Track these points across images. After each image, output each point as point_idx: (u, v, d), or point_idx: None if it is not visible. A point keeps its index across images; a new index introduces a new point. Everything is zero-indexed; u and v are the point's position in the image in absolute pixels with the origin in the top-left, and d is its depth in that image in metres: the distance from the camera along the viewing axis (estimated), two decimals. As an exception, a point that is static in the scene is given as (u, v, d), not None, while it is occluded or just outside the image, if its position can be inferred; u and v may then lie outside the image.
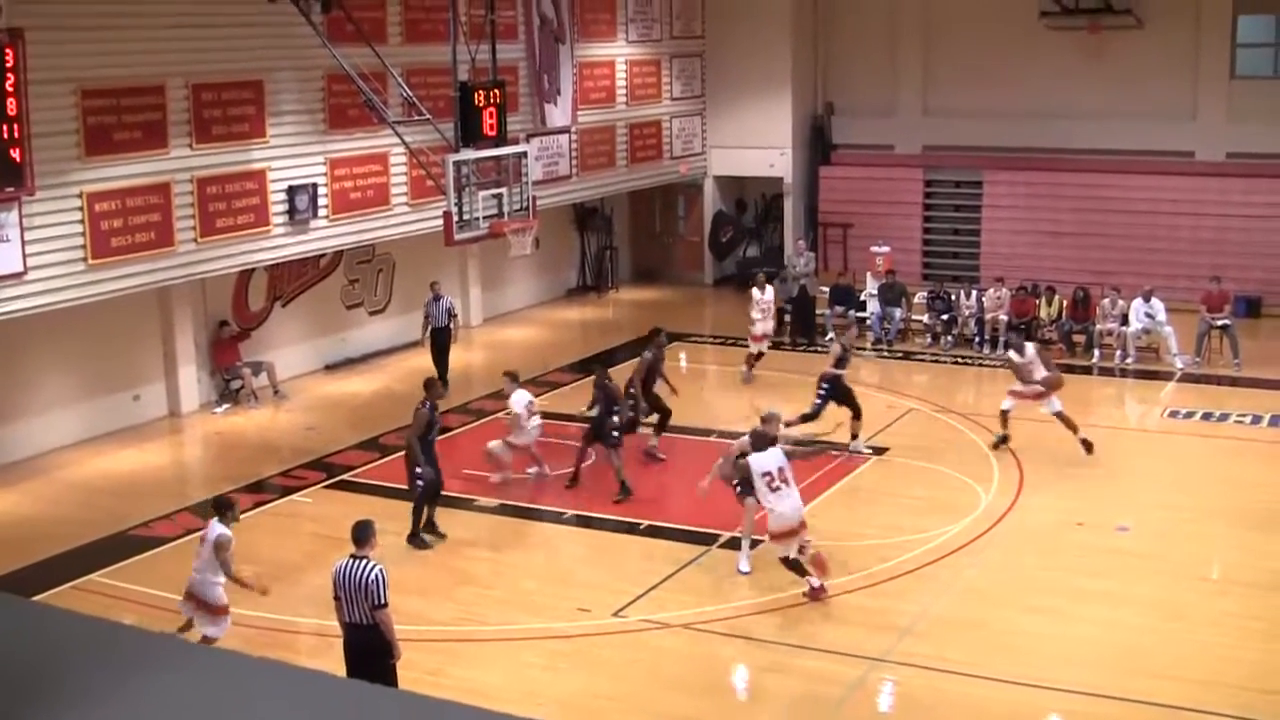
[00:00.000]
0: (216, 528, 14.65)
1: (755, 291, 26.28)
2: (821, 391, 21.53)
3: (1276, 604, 15.84)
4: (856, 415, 21.54)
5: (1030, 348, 21.98)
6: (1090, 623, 15.38)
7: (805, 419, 21.15)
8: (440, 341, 26.20)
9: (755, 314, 26.10)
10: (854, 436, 21.44)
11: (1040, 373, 21.29)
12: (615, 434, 19.79)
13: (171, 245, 21.90)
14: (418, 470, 18.15)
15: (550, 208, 29.49)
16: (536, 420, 20.50)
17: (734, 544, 17.92)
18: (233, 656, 6.93)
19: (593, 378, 21.07)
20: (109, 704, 6.29)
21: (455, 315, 26.78)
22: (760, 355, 26.12)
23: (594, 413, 20.24)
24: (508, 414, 20.82)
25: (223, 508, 14.96)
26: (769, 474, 15.91)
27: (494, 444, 20.27)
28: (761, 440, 16.23)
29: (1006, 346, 23.07)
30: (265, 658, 7.11)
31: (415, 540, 18.13)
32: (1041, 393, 21.20)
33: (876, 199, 34.19)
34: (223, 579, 14.60)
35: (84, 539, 18.50)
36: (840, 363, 21.75)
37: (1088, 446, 20.87)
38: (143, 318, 23.53)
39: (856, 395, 21.79)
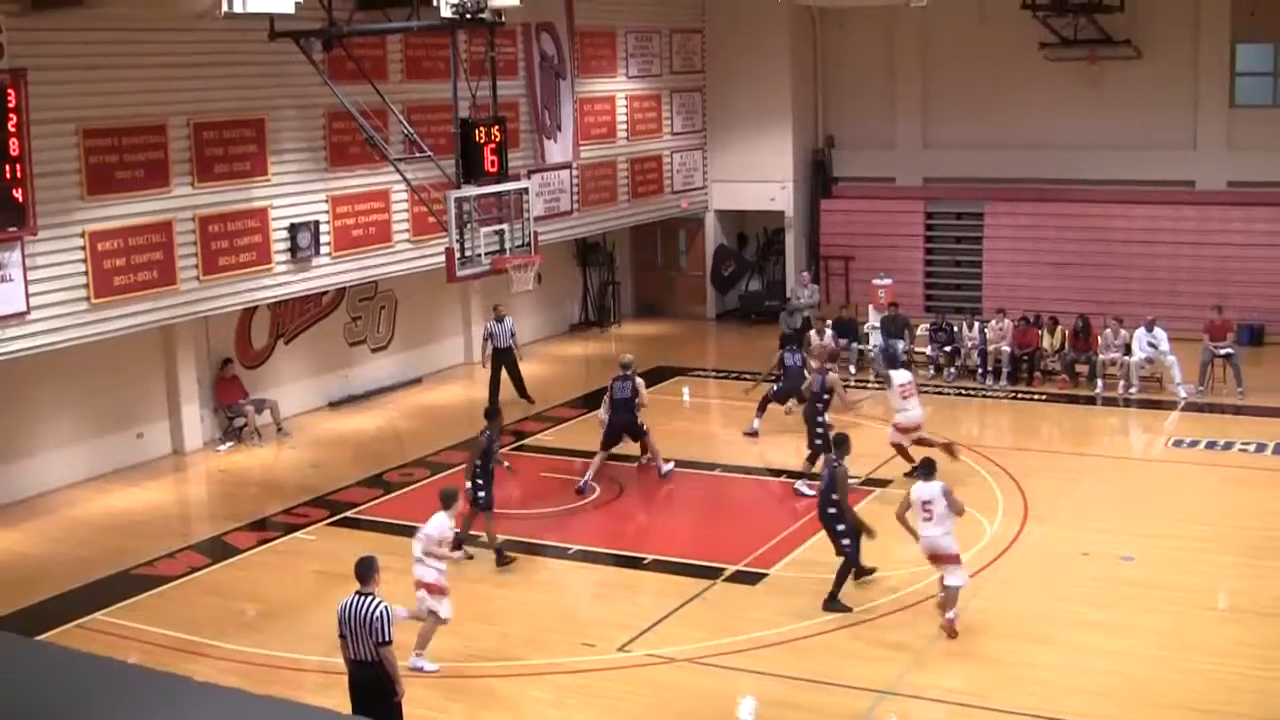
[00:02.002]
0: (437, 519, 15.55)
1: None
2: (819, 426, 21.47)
3: (1284, 633, 15.79)
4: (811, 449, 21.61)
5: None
6: (1096, 653, 15.33)
7: (816, 452, 21.04)
8: (506, 360, 26.90)
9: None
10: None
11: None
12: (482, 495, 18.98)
13: (174, 284, 21.92)
14: (476, 483, 18.71)
15: (552, 243, 29.52)
16: None
17: (738, 578, 17.91)
18: (238, 694, 6.90)
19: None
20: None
21: (515, 334, 27.20)
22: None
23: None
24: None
25: (448, 499, 15.81)
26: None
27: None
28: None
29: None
30: (270, 695, 7.09)
31: (503, 558, 18.68)
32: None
33: (878, 231, 34.22)
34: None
35: (88, 578, 18.47)
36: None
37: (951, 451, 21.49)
38: (146, 356, 23.54)
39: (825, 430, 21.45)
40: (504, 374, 26.99)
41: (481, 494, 18.70)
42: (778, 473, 21.66)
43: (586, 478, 21.88)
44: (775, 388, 24.62)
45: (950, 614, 15.82)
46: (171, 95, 21.80)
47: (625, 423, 22.04)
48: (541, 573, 18.79)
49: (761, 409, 24.40)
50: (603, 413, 22.30)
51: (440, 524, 15.59)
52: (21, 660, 7.41)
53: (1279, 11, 30.11)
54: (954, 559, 15.92)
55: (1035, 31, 31.81)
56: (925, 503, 16.05)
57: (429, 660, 15.38)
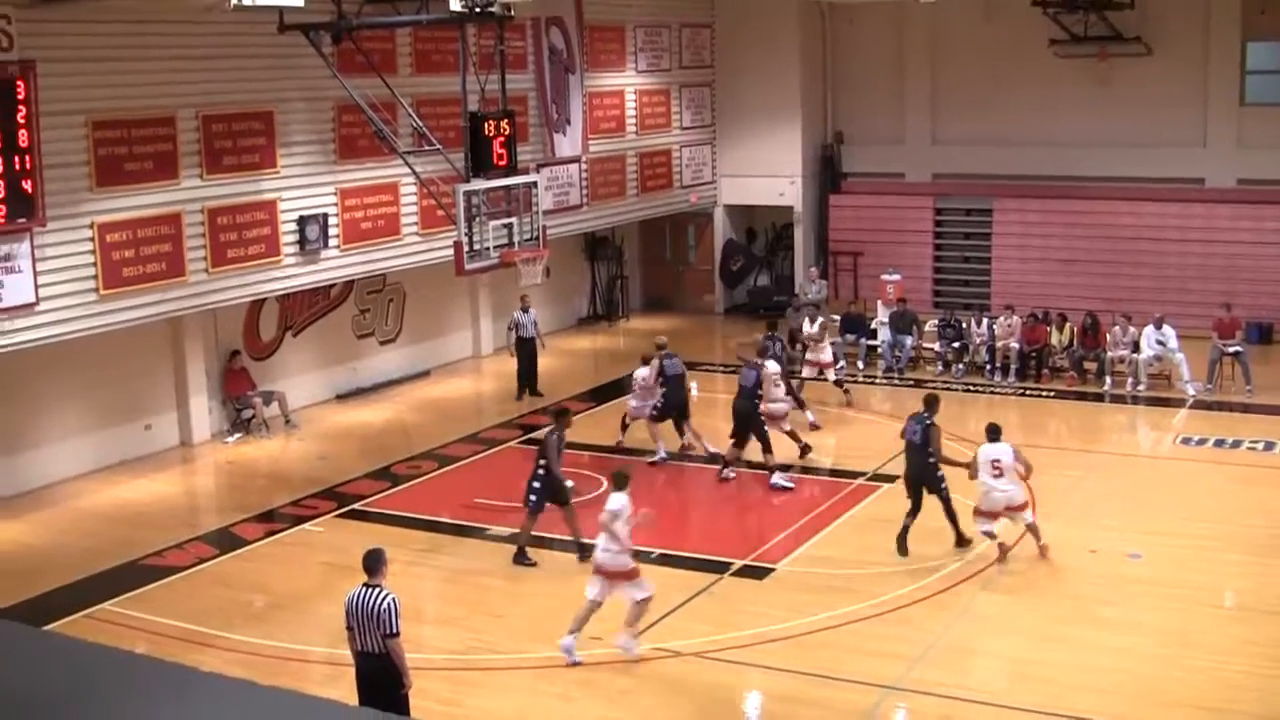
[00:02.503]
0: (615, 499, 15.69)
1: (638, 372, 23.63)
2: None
3: (1291, 631, 15.78)
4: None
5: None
6: (1103, 650, 15.32)
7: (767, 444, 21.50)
8: (529, 349, 27.21)
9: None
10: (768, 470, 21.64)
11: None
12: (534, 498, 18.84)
13: (183, 275, 21.95)
14: (533, 485, 18.61)
15: (560, 237, 29.53)
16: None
17: (745, 572, 17.93)
18: (245, 686, 6.91)
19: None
20: (121, 732, 6.28)
21: (537, 325, 27.65)
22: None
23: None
24: None
25: (621, 481, 16.02)
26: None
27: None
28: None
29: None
30: (277, 687, 7.10)
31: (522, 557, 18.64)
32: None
33: (887, 227, 34.23)
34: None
35: (96, 568, 18.51)
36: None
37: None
38: (154, 348, 23.57)
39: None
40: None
41: (534, 497, 18.61)
42: (785, 468, 21.63)
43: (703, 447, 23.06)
44: (656, 409, 23.60)
45: (1041, 541, 17.96)
46: (181, 87, 21.82)
47: (680, 401, 23.09)
48: (549, 566, 18.80)
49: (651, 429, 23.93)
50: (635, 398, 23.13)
51: (618, 503, 15.60)
52: (29, 650, 7.42)
53: (1290, 10, 30.10)
54: (1024, 506, 18.05)
55: (1045, 28, 31.80)
56: (994, 461, 17.85)
57: (634, 641, 15.55)
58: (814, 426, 24.00)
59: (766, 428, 21.55)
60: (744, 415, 21.59)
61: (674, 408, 23.02)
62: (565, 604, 17.19)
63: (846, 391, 26.08)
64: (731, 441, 21.82)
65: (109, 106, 20.75)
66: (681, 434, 23.19)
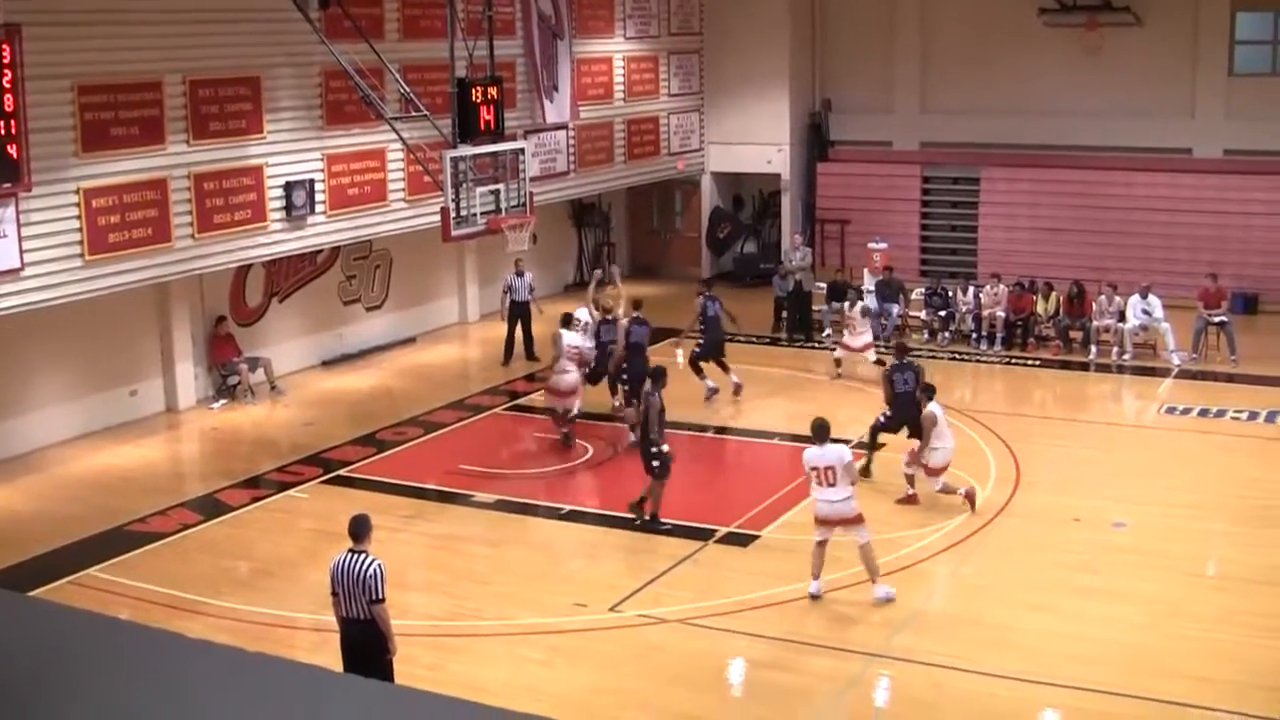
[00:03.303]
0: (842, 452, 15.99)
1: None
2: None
3: (1274, 599, 15.82)
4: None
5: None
6: (1087, 619, 15.38)
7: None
8: (521, 313, 27.37)
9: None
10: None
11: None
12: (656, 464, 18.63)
13: (169, 241, 21.88)
14: (654, 451, 18.38)
15: (548, 204, 29.50)
16: None
17: (730, 539, 17.97)
18: (230, 651, 6.92)
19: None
20: (106, 698, 6.30)
21: (534, 289, 27.76)
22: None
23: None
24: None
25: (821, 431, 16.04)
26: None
27: None
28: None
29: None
30: (262, 653, 7.12)
31: (659, 525, 18.45)
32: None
33: (874, 195, 34.20)
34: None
35: (80, 534, 18.49)
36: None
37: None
38: (140, 314, 23.52)
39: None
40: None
41: (656, 464, 18.37)
42: (770, 435, 21.67)
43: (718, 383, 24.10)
44: (698, 347, 24.66)
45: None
46: (167, 52, 21.72)
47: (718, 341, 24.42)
48: (534, 533, 18.84)
49: (697, 370, 24.29)
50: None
51: (833, 456, 15.83)
52: (14, 616, 7.43)
53: (1279, -21, 30.09)
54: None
55: (1034, -3, 31.82)
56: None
57: (887, 587, 15.89)
58: (730, 389, 24.38)
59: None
60: (641, 375, 21.54)
61: (711, 347, 24.17)
62: (549, 570, 17.29)
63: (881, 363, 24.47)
64: (628, 403, 21.98)
65: (95, 71, 20.65)
66: (725, 371, 24.31)
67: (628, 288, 33.28)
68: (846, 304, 26.91)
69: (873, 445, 20.27)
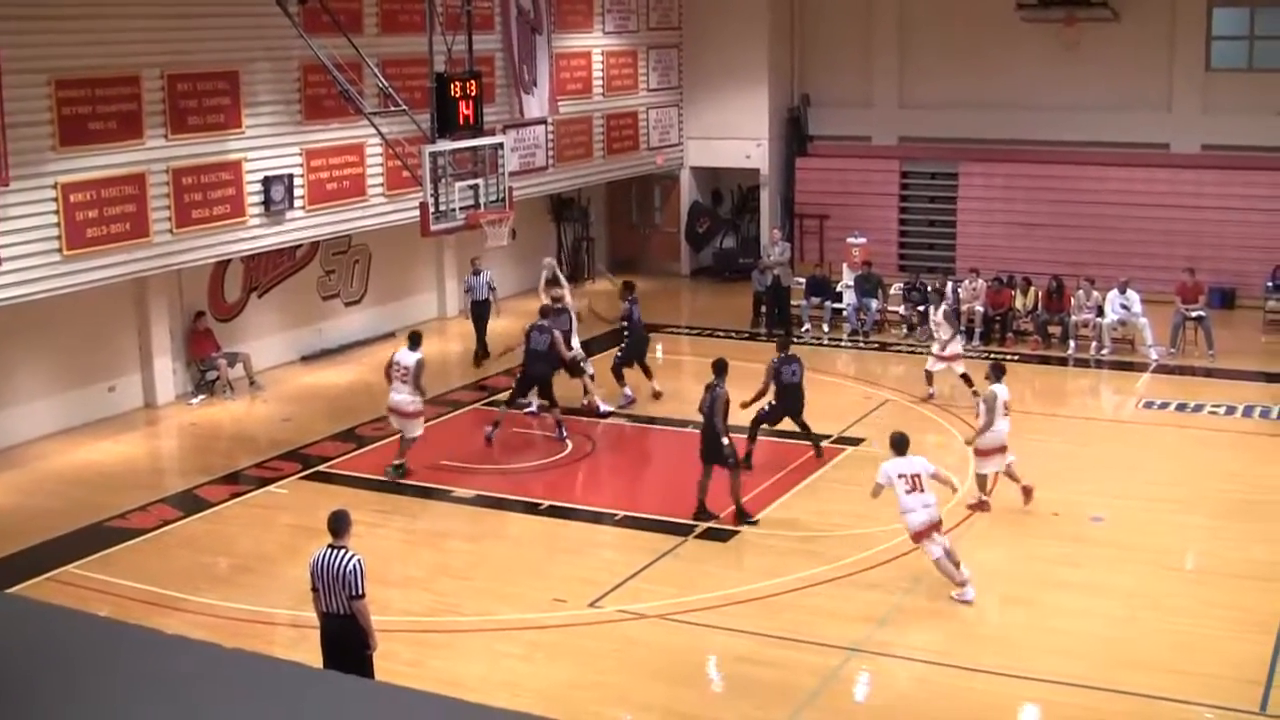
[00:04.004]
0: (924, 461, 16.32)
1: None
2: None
3: (1252, 593, 15.90)
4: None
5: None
6: (1066, 613, 15.44)
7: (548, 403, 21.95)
8: (480, 313, 27.05)
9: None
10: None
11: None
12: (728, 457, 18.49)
13: (147, 236, 21.82)
14: (725, 443, 18.21)
15: (527, 199, 29.47)
16: None
17: (709, 534, 17.98)
18: (208, 648, 6.91)
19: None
20: (84, 695, 6.27)
21: (494, 289, 27.40)
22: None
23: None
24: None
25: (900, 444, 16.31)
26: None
27: None
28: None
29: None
30: (241, 649, 7.10)
31: (747, 518, 18.32)
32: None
33: (853, 190, 34.23)
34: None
35: (59, 530, 18.43)
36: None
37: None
38: (118, 309, 23.46)
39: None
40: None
41: (731, 459, 18.26)
42: (752, 432, 21.69)
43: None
44: (620, 353, 24.22)
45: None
46: (145, 46, 21.67)
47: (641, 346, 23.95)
48: (513, 528, 18.83)
49: (618, 376, 24.01)
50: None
51: (908, 466, 16.06)
52: (-8, 612, 7.40)
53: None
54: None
55: (1013, -8, 31.87)
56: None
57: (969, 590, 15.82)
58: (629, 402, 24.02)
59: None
60: (542, 379, 21.67)
61: (634, 351, 23.73)
62: (529, 566, 17.27)
63: (975, 392, 22.76)
64: (542, 404, 22.11)
65: (73, 65, 20.59)
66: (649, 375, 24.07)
67: (607, 283, 33.46)
68: (931, 308, 25.58)
69: (753, 437, 20.48)
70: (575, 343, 23.43)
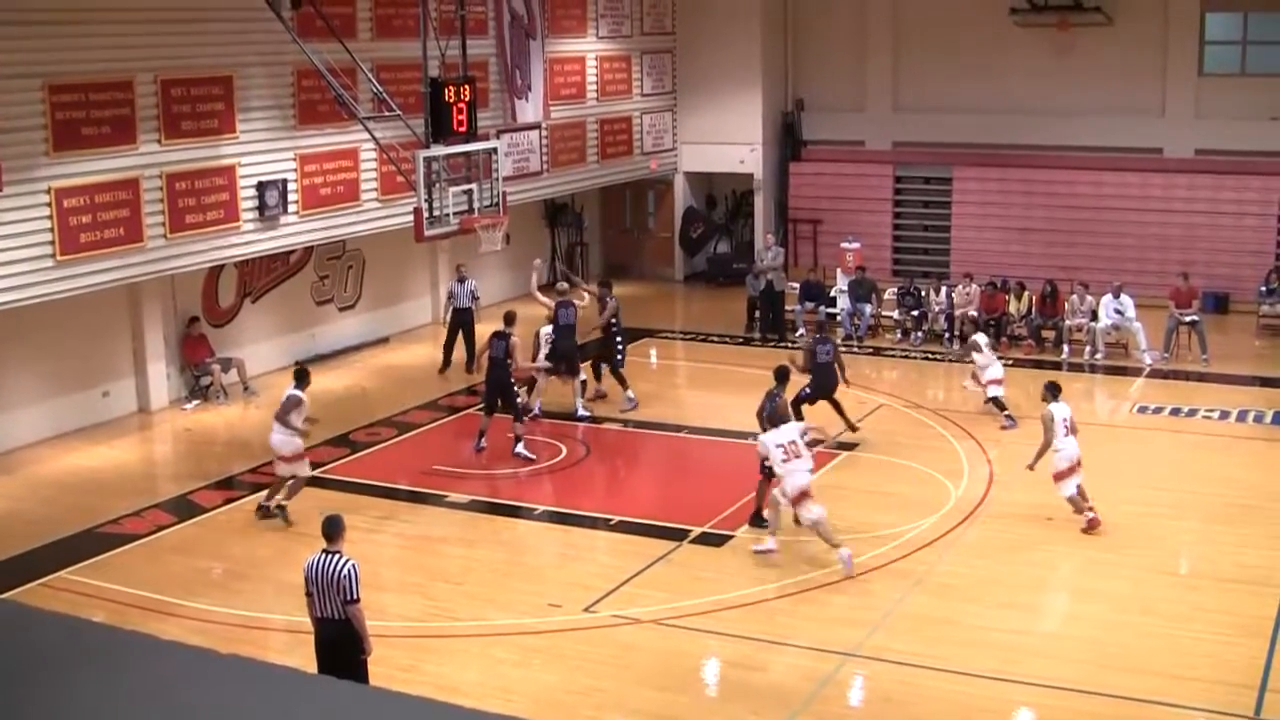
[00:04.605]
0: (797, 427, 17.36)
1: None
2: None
3: (1245, 598, 15.90)
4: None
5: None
6: (1060, 617, 15.48)
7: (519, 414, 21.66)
8: (464, 320, 26.78)
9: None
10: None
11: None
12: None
13: (141, 241, 21.81)
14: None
15: (521, 204, 29.46)
16: None
17: (703, 540, 17.99)
18: (203, 654, 6.91)
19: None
20: (78, 701, 6.28)
21: (478, 297, 27.20)
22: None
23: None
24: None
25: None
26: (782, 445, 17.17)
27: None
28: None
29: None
30: (235, 654, 7.10)
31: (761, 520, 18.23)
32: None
33: (846, 195, 34.26)
34: None
35: (53, 536, 18.41)
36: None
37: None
38: (112, 314, 23.44)
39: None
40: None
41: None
42: (744, 435, 21.69)
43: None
44: (618, 356, 24.31)
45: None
46: (139, 51, 21.65)
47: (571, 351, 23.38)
48: (507, 533, 18.83)
49: (621, 381, 24.08)
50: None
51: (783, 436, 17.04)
52: (-13, 618, 7.40)
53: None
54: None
55: (1006, -4, 31.92)
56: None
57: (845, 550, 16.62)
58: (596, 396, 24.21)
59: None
60: (499, 385, 21.51)
61: (566, 356, 23.36)
62: (523, 571, 17.27)
63: (1009, 419, 22.62)
64: (482, 408, 22.03)
65: (66, 70, 20.57)
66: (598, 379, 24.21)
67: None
68: (979, 337, 24.47)
69: (799, 417, 20.63)
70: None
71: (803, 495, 16.81)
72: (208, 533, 18.80)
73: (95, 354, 23.39)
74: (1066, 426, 18.33)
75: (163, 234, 22.16)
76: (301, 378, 19.27)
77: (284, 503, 18.74)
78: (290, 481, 18.84)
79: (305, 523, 17.31)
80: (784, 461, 16.86)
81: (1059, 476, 18.23)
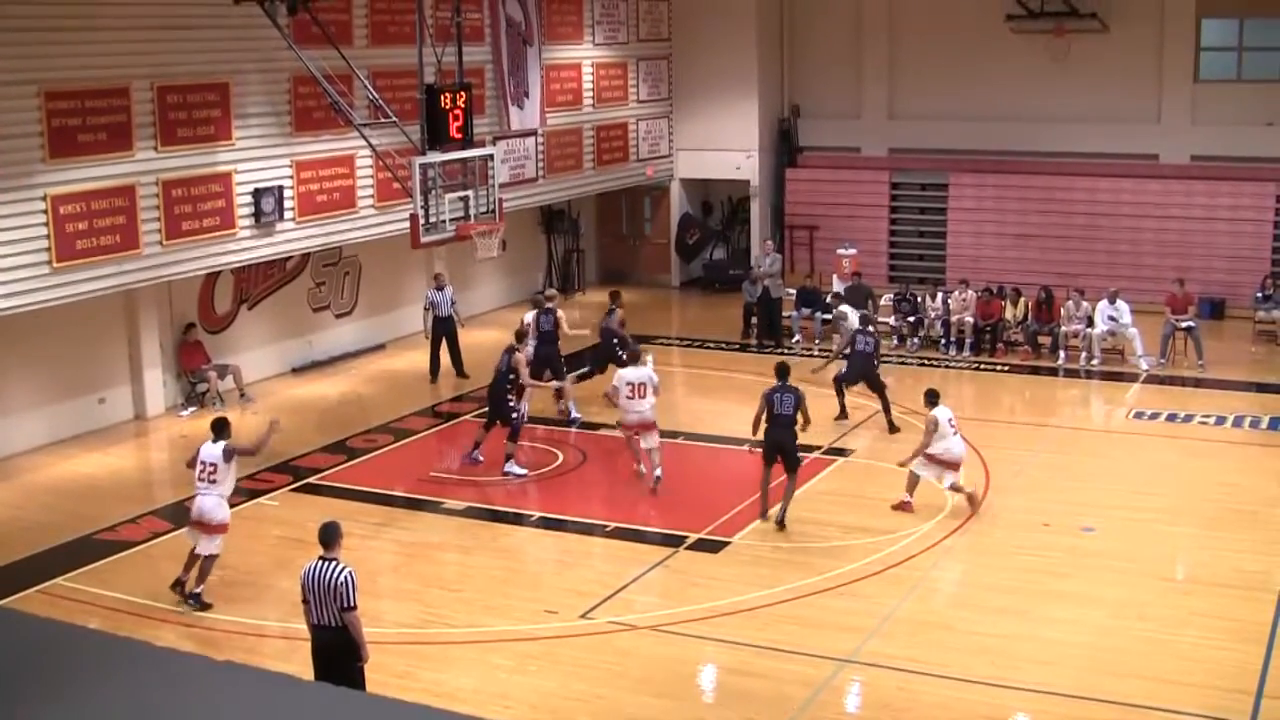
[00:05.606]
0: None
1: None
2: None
3: (1241, 603, 15.92)
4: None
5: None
6: (1056, 623, 15.45)
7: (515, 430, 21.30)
8: (447, 330, 26.64)
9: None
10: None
11: None
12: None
13: (137, 248, 21.80)
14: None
15: (517, 210, 29.48)
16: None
17: (700, 545, 18.00)
18: (199, 660, 6.91)
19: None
20: (75, 708, 6.27)
21: (455, 303, 27.06)
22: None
23: None
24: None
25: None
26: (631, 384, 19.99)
27: None
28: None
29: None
30: (232, 661, 7.10)
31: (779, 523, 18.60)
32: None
33: (842, 201, 34.28)
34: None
35: (49, 543, 18.40)
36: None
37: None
38: (108, 321, 23.42)
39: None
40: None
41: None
42: (741, 441, 21.70)
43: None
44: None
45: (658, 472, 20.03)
46: (135, 58, 21.64)
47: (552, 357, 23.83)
48: (504, 539, 18.82)
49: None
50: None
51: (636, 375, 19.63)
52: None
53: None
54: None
55: (1002, 3, 31.91)
56: (632, 384, 19.98)
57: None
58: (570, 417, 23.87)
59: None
60: (498, 401, 21.36)
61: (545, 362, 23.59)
62: (520, 578, 17.28)
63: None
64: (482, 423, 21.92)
65: (62, 77, 20.56)
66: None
67: (598, 295, 33.50)
68: (846, 308, 26.43)
69: (840, 392, 23.18)
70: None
71: (642, 426, 19.92)
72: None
73: (91, 361, 23.38)
74: (953, 427, 18.82)
75: (159, 241, 22.15)
76: (222, 429, 16.65)
77: (197, 590, 16.29)
78: (203, 560, 16.34)
79: (302, 530, 17.30)
80: (628, 398, 19.76)
81: (945, 466, 18.75)
